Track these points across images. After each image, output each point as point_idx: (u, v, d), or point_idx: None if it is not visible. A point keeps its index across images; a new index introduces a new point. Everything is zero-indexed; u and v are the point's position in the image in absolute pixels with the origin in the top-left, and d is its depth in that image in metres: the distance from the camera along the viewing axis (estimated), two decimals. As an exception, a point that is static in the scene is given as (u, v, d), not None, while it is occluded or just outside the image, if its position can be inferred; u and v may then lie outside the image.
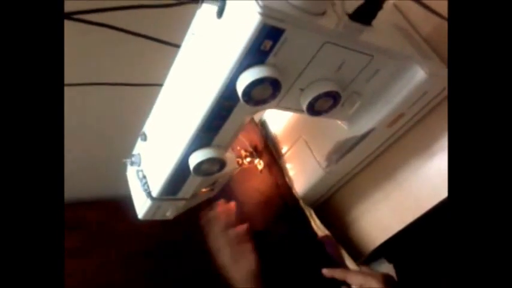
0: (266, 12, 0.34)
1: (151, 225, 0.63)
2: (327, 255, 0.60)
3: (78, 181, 0.44)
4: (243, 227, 0.62)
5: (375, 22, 0.43)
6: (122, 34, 0.52)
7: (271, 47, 0.36)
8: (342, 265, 0.59)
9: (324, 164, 0.60)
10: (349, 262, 0.58)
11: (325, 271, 0.55)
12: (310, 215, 0.63)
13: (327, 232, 0.61)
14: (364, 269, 0.56)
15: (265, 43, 0.36)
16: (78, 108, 0.45)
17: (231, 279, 0.61)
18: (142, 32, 0.54)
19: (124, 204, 0.60)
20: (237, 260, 0.60)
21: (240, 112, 0.43)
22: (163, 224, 0.62)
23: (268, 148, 0.69)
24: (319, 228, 0.62)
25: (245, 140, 0.70)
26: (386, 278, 0.50)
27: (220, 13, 0.38)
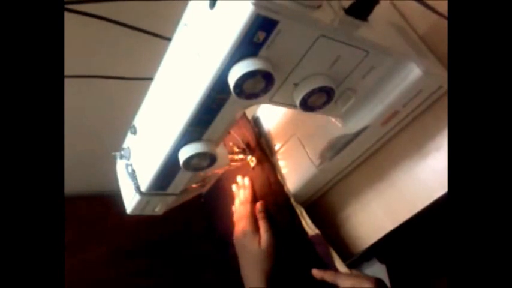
0: (259, 2, 0.33)
1: (141, 221, 0.63)
2: (316, 255, 0.59)
3: (66, 175, 0.42)
4: (259, 204, 0.65)
5: (371, 18, 0.42)
6: (112, 26, 0.51)
7: (265, 39, 0.36)
8: (330, 265, 0.58)
9: (317, 161, 0.60)
10: (338, 262, 0.58)
11: (315, 272, 0.54)
12: (301, 213, 0.62)
13: (317, 231, 0.61)
14: (354, 272, 0.55)
15: (258, 35, 0.35)
16: (67, 101, 0.44)
17: (244, 255, 0.61)
18: (133, 24, 0.53)
19: (114, 199, 0.59)
20: (251, 237, 0.61)
21: (232, 106, 0.42)
22: (154, 220, 0.61)
23: (261, 145, 0.69)
24: (309, 227, 0.61)
25: (238, 137, 0.69)
26: (378, 282, 0.49)
27: (212, 4, 0.37)
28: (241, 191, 0.68)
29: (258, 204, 0.65)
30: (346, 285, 0.50)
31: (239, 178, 0.70)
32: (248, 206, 0.64)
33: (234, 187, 0.70)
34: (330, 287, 0.53)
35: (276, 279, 0.59)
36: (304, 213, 0.63)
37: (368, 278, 0.50)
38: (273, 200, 0.65)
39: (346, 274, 0.55)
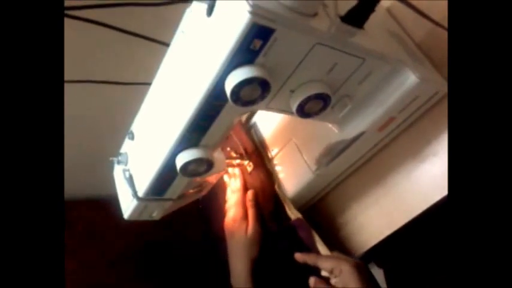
0: (256, 11, 0.33)
1: (139, 226, 0.63)
2: (298, 240, 0.60)
3: (65, 179, 0.43)
4: (249, 193, 0.65)
5: (367, 25, 0.43)
6: (110, 31, 0.51)
7: (261, 47, 0.36)
8: (313, 248, 0.58)
9: (314, 166, 0.60)
10: (320, 245, 0.58)
11: (298, 256, 0.55)
12: (284, 199, 0.63)
13: (299, 216, 0.61)
14: (335, 253, 0.55)
15: (254, 42, 0.35)
16: (66, 106, 0.44)
17: (232, 242, 0.62)
18: (132, 30, 0.53)
19: (111, 203, 0.59)
20: (240, 224, 0.62)
21: (229, 112, 0.42)
22: (152, 224, 0.61)
23: (258, 150, 0.69)
24: (292, 212, 0.62)
25: (235, 142, 0.69)
26: (357, 263, 0.50)
27: (210, 11, 0.37)
28: (232, 180, 0.69)
29: (249, 193, 0.66)
30: (327, 266, 0.51)
31: (230, 169, 0.70)
32: (238, 195, 0.66)
33: (225, 177, 0.71)
34: (313, 270, 0.53)
35: (261, 266, 0.60)
36: (288, 199, 0.64)
37: (347, 259, 0.51)
38: (261, 187, 0.66)
39: (326, 256, 0.55)
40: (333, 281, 0.51)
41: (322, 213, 0.68)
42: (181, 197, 0.56)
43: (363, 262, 0.51)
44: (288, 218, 0.62)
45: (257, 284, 0.59)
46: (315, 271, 0.53)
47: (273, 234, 0.62)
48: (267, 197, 0.65)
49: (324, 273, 0.52)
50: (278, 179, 0.66)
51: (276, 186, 0.64)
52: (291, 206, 0.63)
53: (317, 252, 0.58)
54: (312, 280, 0.52)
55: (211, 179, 0.62)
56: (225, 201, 0.69)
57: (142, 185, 0.50)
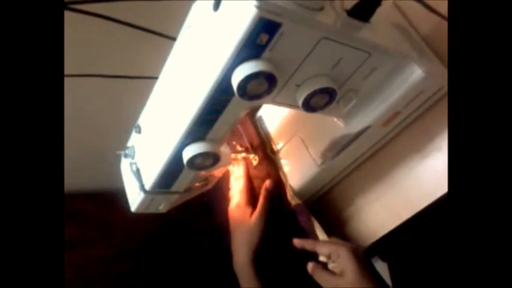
0: (263, 5, 0.33)
1: (146, 219, 0.63)
2: (298, 225, 0.60)
3: (71, 173, 0.43)
4: (268, 182, 0.65)
5: (373, 19, 0.43)
6: (117, 25, 0.51)
7: (268, 41, 0.36)
8: (311, 233, 0.59)
9: (319, 160, 0.60)
10: (319, 230, 0.59)
11: (296, 242, 0.55)
12: (286, 185, 0.64)
13: (299, 201, 0.62)
14: (333, 239, 0.56)
15: (261, 37, 0.35)
16: (71, 100, 0.45)
17: (236, 228, 0.63)
18: (139, 24, 0.53)
19: (118, 197, 0.59)
20: (244, 211, 0.62)
21: (235, 106, 0.43)
22: (159, 218, 0.62)
23: (263, 144, 0.69)
24: (292, 198, 0.62)
25: (241, 135, 0.70)
26: (355, 248, 0.50)
27: (216, 6, 0.38)
28: (235, 167, 0.69)
29: (268, 182, 0.66)
30: (324, 251, 0.52)
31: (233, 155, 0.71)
32: (242, 181, 0.66)
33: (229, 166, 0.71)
34: (311, 255, 0.54)
35: (262, 252, 0.60)
36: (290, 185, 0.64)
37: (345, 244, 0.51)
38: (266, 179, 0.66)
39: (324, 241, 0.56)
40: (330, 265, 0.52)
41: (327, 206, 0.69)
42: (188, 190, 0.57)
43: (358, 247, 0.51)
44: (288, 203, 0.63)
45: (259, 270, 0.60)
46: (313, 256, 0.54)
47: (273, 219, 0.63)
48: (265, 166, 0.66)
49: (322, 258, 0.53)
50: (283, 171, 0.66)
51: (280, 172, 0.64)
52: (291, 192, 0.63)
53: (316, 237, 0.58)
54: (310, 265, 0.52)
55: (217, 172, 0.62)
56: (228, 189, 0.69)
57: (150, 178, 0.50)
